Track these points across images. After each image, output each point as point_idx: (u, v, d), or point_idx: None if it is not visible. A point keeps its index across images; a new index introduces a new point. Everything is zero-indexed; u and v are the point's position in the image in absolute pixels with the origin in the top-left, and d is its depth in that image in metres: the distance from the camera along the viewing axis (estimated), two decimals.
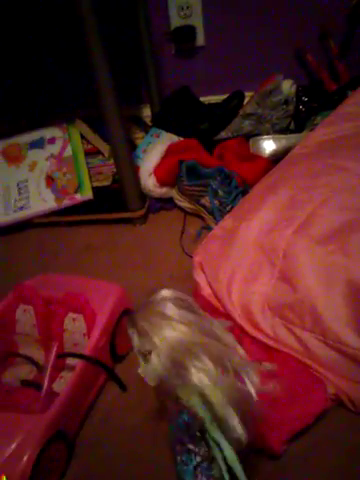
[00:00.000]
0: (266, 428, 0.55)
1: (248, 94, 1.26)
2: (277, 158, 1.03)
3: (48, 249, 1.11)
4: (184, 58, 1.32)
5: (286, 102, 1.22)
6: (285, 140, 1.12)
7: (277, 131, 1.21)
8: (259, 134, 1.19)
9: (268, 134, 1.18)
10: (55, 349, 0.64)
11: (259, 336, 0.64)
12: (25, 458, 0.56)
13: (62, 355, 0.66)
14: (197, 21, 1.26)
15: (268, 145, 1.12)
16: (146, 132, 1.31)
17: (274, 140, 1.12)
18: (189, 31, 1.24)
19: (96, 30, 0.86)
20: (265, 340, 0.64)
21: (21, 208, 1.18)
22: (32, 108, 1.46)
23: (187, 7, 1.23)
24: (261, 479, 0.59)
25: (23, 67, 1.39)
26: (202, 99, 1.30)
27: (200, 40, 1.28)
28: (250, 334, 0.66)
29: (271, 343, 0.63)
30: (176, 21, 1.26)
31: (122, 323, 0.76)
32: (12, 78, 1.40)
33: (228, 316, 0.70)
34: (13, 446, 0.57)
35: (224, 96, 1.28)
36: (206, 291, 0.77)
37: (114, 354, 0.75)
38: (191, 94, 1.26)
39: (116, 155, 1.05)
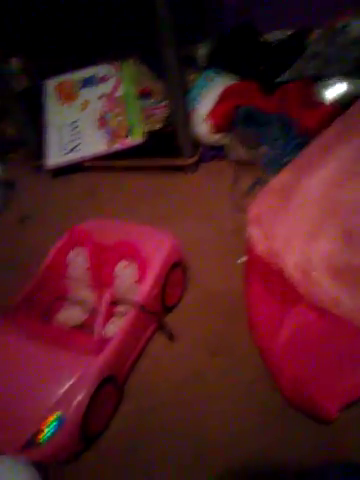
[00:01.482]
0: (320, 395, 0.55)
1: (317, 32, 1.14)
2: (344, 104, 0.94)
3: (99, 194, 1.11)
4: None
5: (357, 42, 1.09)
6: (354, 85, 1.01)
7: (345, 74, 1.10)
8: (325, 77, 1.08)
9: (336, 77, 1.07)
10: (108, 296, 0.65)
11: (317, 298, 0.61)
12: (80, 397, 0.59)
13: (118, 301, 0.67)
14: None
15: (336, 89, 1.02)
16: (200, 74, 1.23)
17: (344, 84, 1.02)
18: None
19: None
20: (323, 303, 0.61)
21: (72, 150, 1.16)
22: (85, 44, 1.40)
23: None
24: (312, 444, 0.59)
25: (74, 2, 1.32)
26: (266, 36, 1.18)
27: None
28: (305, 295, 0.63)
29: (330, 306, 0.60)
30: None
31: (173, 274, 0.76)
32: (65, 13, 1.34)
33: (282, 274, 0.67)
34: (69, 384, 0.59)
35: (289, 33, 1.16)
36: (260, 247, 0.73)
37: (164, 304, 0.75)
38: (254, 30, 1.16)
39: (171, 98, 1.00)
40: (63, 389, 0.59)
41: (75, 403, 0.59)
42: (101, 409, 0.63)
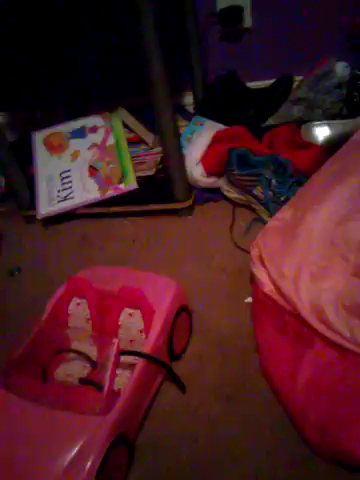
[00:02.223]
0: (352, 439, 0.51)
1: (297, 79, 1.20)
2: (332, 145, 0.97)
3: (93, 241, 1.09)
4: (230, 41, 1.26)
5: (339, 86, 1.15)
6: (341, 126, 1.05)
7: (329, 117, 1.15)
8: (309, 120, 1.13)
9: (320, 120, 1.11)
10: (116, 346, 0.61)
11: (333, 338, 0.59)
12: (89, 464, 0.53)
13: (124, 353, 0.63)
14: (244, 1, 1.19)
15: (322, 131, 1.06)
16: (189, 120, 1.27)
17: (329, 126, 1.06)
18: (236, 12, 1.18)
19: (152, 16, 0.81)
20: (340, 341, 0.59)
21: (65, 198, 1.15)
22: (73, 97, 1.43)
23: None
24: None
25: (64, 55, 1.36)
26: (248, 85, 1.24)
27: (247, 21, 1.22)
28: (322, 335, 0.61)
29: (347, 345, 0.58)
30: (222, 1, 1.20)
31: (179, 320, 0.73)
32: (53, 66, 1.38)
33: (296, 314, 0.65)
34: (76, 450, 0.54)
35: (272, 81, 1.21)
36: (268, 287, 0.72)
37: (171, 352, 0.72)
38: (238, 79, 1.21)
39: (165, 144, 1.01)
40: (70, 456, 0.54)
41: (84, 471, 0.53)
42: (112, 473, 0.57)
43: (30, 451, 0.55)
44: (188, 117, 1.29)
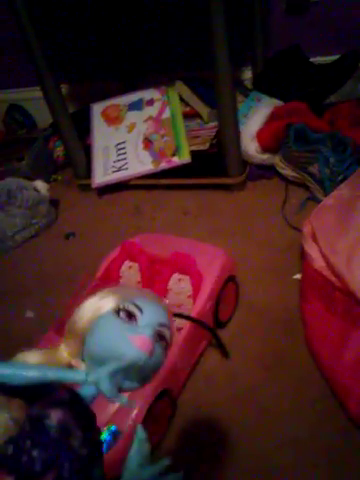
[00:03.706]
0: None
1: None
2: None
3: (145, 211, 1.11)
4: (295, 14, 1.21)
5: None
6: None
7: None
8: None
9: None
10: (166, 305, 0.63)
11: None
12: (135, 411, 0.56)
13: (173, 315, 0.65)
14: None
15: None
16: (246, 96, 1.25)
17: None
18: None
19: None
20: None
21: (119, 169, 1.18)
22: (132, 69, 1.45)
23: None
24: None
25: (125, 28, 1.38)
26: (312, 60, 1.19)
27: None
28: None
29: None
30: None
31: (226, 289, 0.74)
32: (113, 39, 1.40)
33: (346, 291, 0.65)
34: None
35: (337, 57, 1.16)
36: (318, 264, 0.71)
37: (217, 320, 0.73)
38: (301, 54, 1.17)
39: (221, 119, 1.01)
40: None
41: (130, 417, 0.56)
42: (156, 423, 0.60)
43: None
44: (245, 92, 1.27)
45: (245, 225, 0.98)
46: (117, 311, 0.35)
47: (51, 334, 0.68)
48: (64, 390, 0.34)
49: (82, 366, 0.36)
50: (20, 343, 0.71)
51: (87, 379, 0.34)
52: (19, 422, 0.33)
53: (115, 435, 0.56)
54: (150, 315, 0.35)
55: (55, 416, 0.33)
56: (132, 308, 0.35)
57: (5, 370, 0.33)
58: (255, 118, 1.08)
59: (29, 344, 0.68)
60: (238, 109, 1.15)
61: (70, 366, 0.36)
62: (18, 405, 0.33)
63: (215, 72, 0.93)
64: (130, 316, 0.34)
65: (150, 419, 0.58)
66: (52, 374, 0.33)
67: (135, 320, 0.35)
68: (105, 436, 0.56)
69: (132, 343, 0.34)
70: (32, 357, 0.37)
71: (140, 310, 0.35)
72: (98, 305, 0.36)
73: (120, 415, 0.57)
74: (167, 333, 0.37)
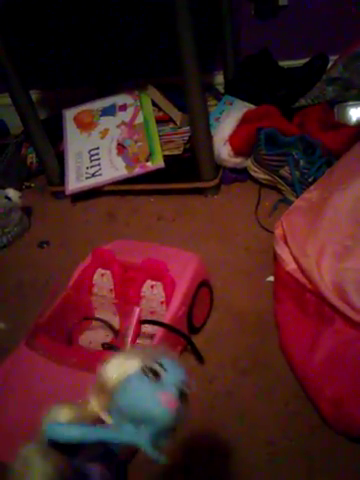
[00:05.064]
0: None
1: (332, 58, 1.16)
2: None
3: (119, 217, 1.11)
4: (264, 19, 1.23)
5: None
6: None
7: None
8: (343, 101, 1.10)
9: (354, 101, 1.08)
10: (138, 313, 0.63)
11: (355, 317, 0.59)
12: None
13: (144, 321, 0.65)
14: None
15: (357, 112, 1.03)
16: (218, 100, 1.26)
17: None
18: None
19: None
20: None
21: (93, 175, 1.17)
22: (103, 75, 1.45)
23: None
24: (357, 468, 0.55)
25: (95, 33, 1.37)
26: (281, 64, 1.21)
27: None
28: (343, 313, 0.61)
29: None
30: None
31: (200, 294, 0.74)
32: (84, 45, 1.39)
33: (317, 293, 0.65)
34: None
35: (305, 60, 1.18)
36: (290, 266, 0.72)
37: (191, 325, 0.73)
38: (270, 58, 1.18)
39: (193, 123, 1.01)
40: None
41: None
42: None
43: (49, 406, 0.58)
44: (217, 96, 1.28)
45: (219, 228, 0.98)
46: (144, 371, 0.37)
47: (22, 347, 0.67)
48: (99, 444, 0.37)
49: (109, 420, 0.38)
50: None
51: (137, 441, 0.36)
52: (62, 474, 0.35)
53: None
54: (174, 373, 0.37)
55: (97, 470, 0.36)
56: (157, 368, 0.36)
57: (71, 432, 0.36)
58: (227, 122, 1.09)
59: (0, 357, 0.67)
60: (210, 113, 1.17)
61: (100, 421, 0.39)
62: (61, 457, 0.36)
63: (184, 77, 0.93)
64: (156, 375, 0.36)
65: None
66: (103, 435, 0.37)
67: (160, 379, 0.36)
68: None
69: (160, 400, 0.35)
70: (64, 413, 0.40)
71: (165, 369, 0.37)
72: (125, 366, 0.38)
73: None
74: (188, 390, 0.38)
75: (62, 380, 0.61)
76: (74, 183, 1.18)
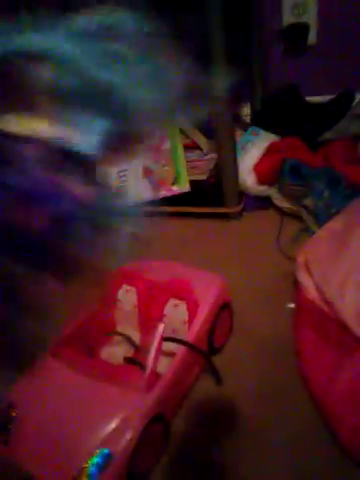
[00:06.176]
0: None
1: (358, 95, 1.20)
2: None
3: (142, 238, 1.13)
4: (293, 57, 1.29)
5: None
6: None
7: None
8: None
9: None
10: (161, 330, 0.64)
11: None
12: (129, 435, 0.57)
13: (167, 339, 0.67)
14: (311, 19, 1.22)
15: None
16: (244, 130, 1.30)
17: None
18: (302, 29, 1.21)
19: (220, 26, 0.86)
20: None
21: (121, 195, 1.21)
22: None
23: (301, 4, 1.20)
24: None
25: None
26: (308, 99, 1.25)
27: (312, 38, 1.24)
28: None
29: None
30: (289, 18, 1.23)
31: (222, 315, 0.75)
32: None
33: (338, 321, 0.66)
34: (117, 421, 0.57)
35: (332, 96, 1.22)
36: (312, 294, 0.73)
37: (212, 345, 0.74)
38: (297, 93, 1.23)
39: (220, 151, 1.05)
40: (112, 425, 0.57)
41: (124, 441, 0.56)
42: (149, 449, 0.60)
43: (76, 416, 0.59)
44: (244, 127, 1.33)
45: (241, 254, 1.00)
46: None
47: (47, 357, 0.68)
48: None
49: None
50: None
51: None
52: None
53: (107, 459, 0.56)
54: None
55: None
56: None
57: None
58: (253, 151, 1.12)
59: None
60: (236, 142, 1.20)
61: None
62: None
63: (214, 106, 0.97)
64: None
65: (143, 444, 0.58)
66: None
67: None
68: (96, 459, 0.56)
69: None
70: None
71: None
72: None
73: (113, 438, 0.57)
74: None
75: (84, 390, 0.62)
76: None
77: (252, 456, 0.62)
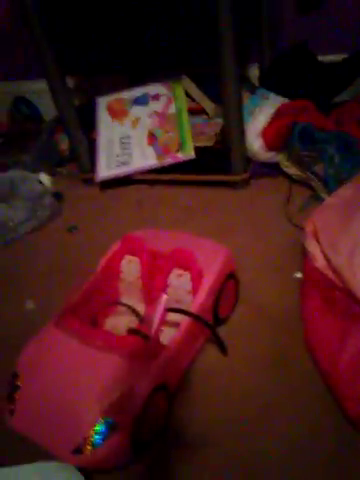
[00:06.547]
0: None
1: None
2: None
3: (147, 206, 1.11)
4: (304, 12, 1.21)
5: None
6: None
7: None
8: None
9: None
10: (164, 300, 0.63)
11: None
12: (133, 403, 0.57)
13: (171, 310, 0.65)
14: None
15: None
16: (252, 93, 1.24)
17: None
18: None
19: None
20: None
21: (123, 163, 1.18)
22: (137, 64, 1.45)
23: None
24: None
25: (132, 21, 1.37)
26: (320, 58, 1.18)
27: None
28: None
29: None
30: None
31: (227, 286, 0.74)
32: (119, 33, 1.39)
33: (346, 290, 0.64)
34: (121, 390, 0.57)
35: (345, 55, 1.15)
36: (320, 263, 0.71)
37: (216, 316, 0.73)
38: (308, 51, 1.16)
39: (226, 115, 1.00)
40: (115, 394, 0.57)
41: (127, 409, 0.56)
42: (152, 418, 0.60)
43: (80, 385, 0.59)
44: (252, 90, 1.27)
45: (247, 222, 0.97)
46: None
47: (51, 327, 0.68)
48: None
49: None
50: (20, 334, 0.72)
51: None
52: None
53: (111, 427, 0.56)
54: None
55: None
56: None
57: None
58: (261, 115, 1.08)
59: (29, 335, 0.69)
60: (243, 106, 1.15)
61: None
62: None
63: (221, 68, 0.93)
64: None
65: (146, 413, 0.58)
66: None
67: None
68: (101, 428, 0.56)
69: None
70: None
71: None
72: None
73: (116, 407, 0.57)
74: None
75: (88, 360, 0.62)
76: (104, 171, 1.19)
77: (256, 427, 0.61)
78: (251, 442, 0.60)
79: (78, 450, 0.56)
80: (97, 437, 0.56)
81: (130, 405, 0.56)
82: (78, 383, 0.60)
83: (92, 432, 0.56)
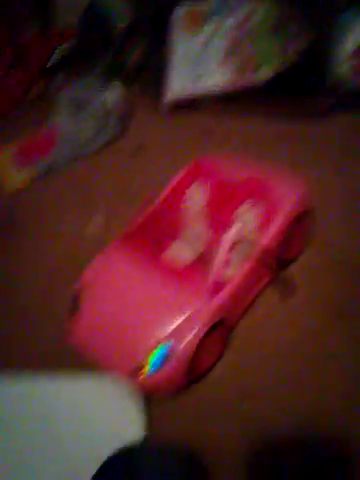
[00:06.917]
0: None
1: None
2: None
3: (216, 133, 1.04)
4: None
5: None
6: None
7: None
8: None
9: None
10: (233, 235, 0.60)
11: None
12: (193, 332, 0.56)
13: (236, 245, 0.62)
14: None
15: None
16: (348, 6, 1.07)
17: None
18: None
19: None
20: None
21: (195, 82, 1.10)
22: None
23: None
24: None
25: None
26: None
27: None
28: None
29: None
30: None
31: (300, 224, 0.68)
32: None
33: None
34: (183, 319, 0.57)
35: None
36: None
37: (285, 256, 0.69)
38: None
39: (315, 27, 0.87)
40: (178, 321, 0.57)
41: (188, 336, 0.56)
42: (209, 351, 0.60)
43: (144, 309, 0.59)
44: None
45: (329, 157, 0.88)
46: None
47: (113, 250, 0.68)
48: None
49: None
50: (90, 245, 0.71)
51: None
52: None
53: (169, 353, 0.56)
54: None
55: None
56: None
57: None
58: (357, 30, 0.93)
59: (98, 246, 0.69)
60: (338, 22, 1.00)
61: None
62: None
63: None
64: None
65: (205, 345, 0.57)
66: None
67: None
68: (161, 350, 0.56)
69: None
70: None
71: None
72: None
73: (178, 333, 0.56)
74: None
75: (149, 285, 0.62)
76: (176, 88, 1.12)
77: (314, 376, 0.59)
78: (309, 385, 0.58)
79: (136, 372, 0.57)
80: (157, 358, 0.57)
81: (191, 333, 0.56)
82: (142, 306, 0.60)
83: (151, 355, 0.57)
